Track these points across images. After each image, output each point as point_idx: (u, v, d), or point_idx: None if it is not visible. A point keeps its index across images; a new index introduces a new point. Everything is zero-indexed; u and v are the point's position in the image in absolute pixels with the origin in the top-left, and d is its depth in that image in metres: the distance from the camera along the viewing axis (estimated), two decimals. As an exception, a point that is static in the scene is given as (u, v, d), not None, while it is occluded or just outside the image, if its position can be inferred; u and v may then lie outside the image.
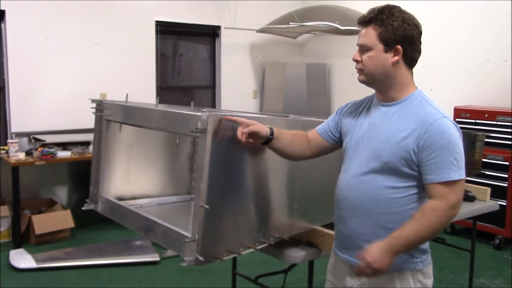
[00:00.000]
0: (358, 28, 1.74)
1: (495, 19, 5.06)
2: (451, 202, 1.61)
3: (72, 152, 4.81)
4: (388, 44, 1.65)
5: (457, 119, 4.98)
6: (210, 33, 6.61)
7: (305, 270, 2.40)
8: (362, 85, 1.78)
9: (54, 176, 5.34)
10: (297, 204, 2.18)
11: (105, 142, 2.51)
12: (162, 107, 2.26)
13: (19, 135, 4.97)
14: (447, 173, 1.60)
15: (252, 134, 1.79)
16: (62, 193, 5.42)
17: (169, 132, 2.42)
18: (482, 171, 3.83)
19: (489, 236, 4.74)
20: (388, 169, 1.67)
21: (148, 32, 5.88)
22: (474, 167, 3.65)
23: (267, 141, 1.85)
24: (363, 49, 1.70)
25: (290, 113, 2.82)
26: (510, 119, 4.63)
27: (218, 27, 6.50)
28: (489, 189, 3.32)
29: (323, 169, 2.24)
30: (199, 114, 1.81)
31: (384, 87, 1.73)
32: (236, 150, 1.89)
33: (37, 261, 4.13)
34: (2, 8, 4.89)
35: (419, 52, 1.71)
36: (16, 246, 4.51)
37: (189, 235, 1.86)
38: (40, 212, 4.88)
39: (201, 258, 1.80)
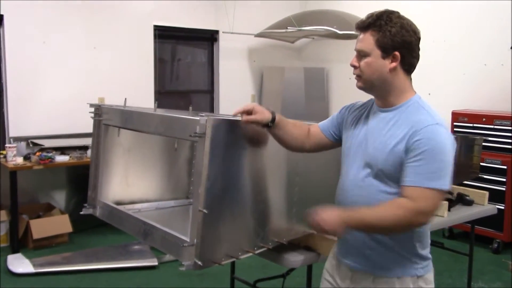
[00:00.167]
0: (356, 33, 1.74)
1: (492, 23, 5.08)
2: (421, 207, 1.56)
3: (70, 157, 4.81)
4: (386, 50, 1.65)
5: (455, 123, 5.00)
6: (208, 38, 6.63)
7: (303, 275, 2.40)
8: (360, 89, 1.78)
9: (52, 181, 5.33)
10: (296, 208, 2.18)
11: (103, 146, 2.51)
12: (161, 112, 2.26)
13: (17, 139, 4.96)
14: (424, 179, 1.56)
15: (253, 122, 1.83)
16: (60, 198, 5.41)
17: (167, 136, 2.42)
18: (480, 175, 3.83)
19: (487, 240, 4.74)
20: (383, 175, 1.67)
21: (146, 36, 5.89)
22: (472, 171, 3.66)
23: (267, 125, 1.86)
24: (361, 54, 1.69)
25: (288, 117, 2.82)
26: (508, 123, 4.64)
27: (216, 32, 6.52)
28: (487, 193, 3.32)
29: (322, 174, 2.24)
30: (198, 118, 1.81)
31: (382, 93, 1.73)
32: (235, 155, 1.89)
33: (35, 266, 4.12)
34: (0, 13, 4.89)
35: (417, 58, 1.70)
36: (14, 250, 4.49)
37: (188, 240, 1.86)
38: (38, 216, 4.87)
39: (199, 263, 1.79)
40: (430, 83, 5.32)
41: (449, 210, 3.01)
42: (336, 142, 1.94)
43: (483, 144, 3.81)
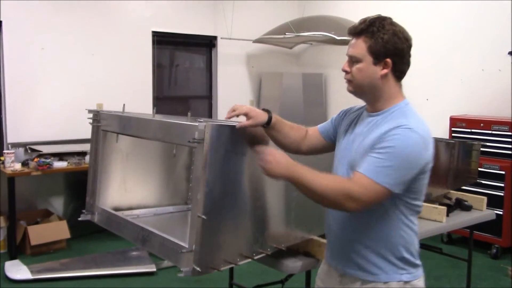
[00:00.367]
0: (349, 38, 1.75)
1: (489, 28, 5.10)
2: (355, 193, 1.55)
3: (68, 163, 4.80)
4: (378, 57, 1.65)
5: (453, 129, 5.01)
6: (207, 43, 6.64)
7: (302, 280, 2.39)
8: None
9: (50, 187, 5.32)
10: (294, 214, 2.18)
11: (101, 152, 2.51)
12: (159, 117, 2.26)
13: (15, 145, 4.95)
14: (373, 171, 1.56)
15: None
16: (58, 204, 5.40)
17: (166, 142, 2.42)
18: (478, 181, 3.84)
19: (486, 245, 4.74)
20: None
21: (144, 42, 5.90)
22: (470, 177, 3.66)
23: (263, 126, 1.88)
24: (353, 60, 1.70)
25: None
26: (506, 128, 4.65)
27: (215, 37, 6.54)
28: (485, 199, 3.33)
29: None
30: (196, 124, 1.81)
31: (372, 98, 1.74)
32: (233, 160, 1.89)
33: (32, 272, 4.11)
34: (-1, 19, 4.91)
35: (408, 64, 1.71)
36: (12, 257, 4.48)
37: (186, 246, 1.86)
38: (36, 222, 4.85)
39: (198, 269, 1.79)
40: (428, 88, 5.34)
41: (447, 215, 3.01)
42: (333, 144, 1.94)
43: (481, 149, 3.82)
